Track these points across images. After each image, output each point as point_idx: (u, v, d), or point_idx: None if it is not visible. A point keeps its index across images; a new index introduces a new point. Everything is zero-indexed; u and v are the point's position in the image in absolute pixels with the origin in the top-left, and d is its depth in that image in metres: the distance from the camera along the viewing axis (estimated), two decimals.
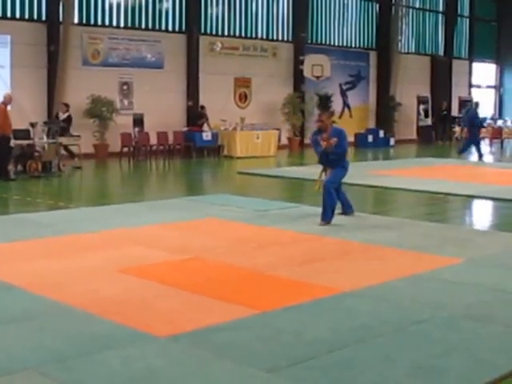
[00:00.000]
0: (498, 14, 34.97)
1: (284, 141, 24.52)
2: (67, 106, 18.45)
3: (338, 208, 10.20)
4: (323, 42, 27.15)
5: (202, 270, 7.18)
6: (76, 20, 20.04)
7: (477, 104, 22.20)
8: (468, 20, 33.70)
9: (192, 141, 21.28)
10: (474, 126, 21.23)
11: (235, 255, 7.82)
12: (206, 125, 21.94)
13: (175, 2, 22.51)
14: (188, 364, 4.62)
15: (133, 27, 21.58)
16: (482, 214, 12.36)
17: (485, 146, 25.13)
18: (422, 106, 30.40)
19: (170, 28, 22.55)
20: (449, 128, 30.27)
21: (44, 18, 19.68)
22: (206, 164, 20.33)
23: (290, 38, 25.83)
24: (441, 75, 31.21)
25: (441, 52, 32.13)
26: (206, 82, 22.68)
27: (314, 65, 24.65)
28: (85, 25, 20.48)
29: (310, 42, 26.36)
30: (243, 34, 24.46)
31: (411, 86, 29.45)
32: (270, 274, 6.99)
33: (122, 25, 21.39)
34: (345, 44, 28.05)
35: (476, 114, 21.73)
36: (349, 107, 28.14)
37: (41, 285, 6.45)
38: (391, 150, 25.84)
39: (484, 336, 5.22)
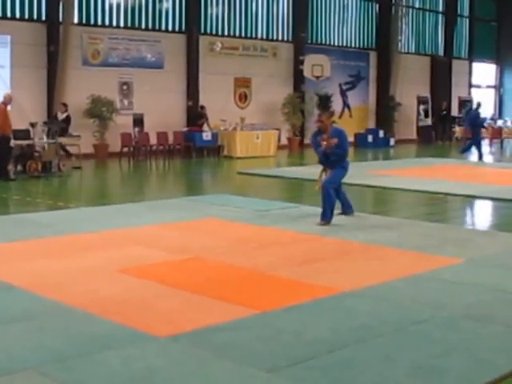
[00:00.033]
0: (498, 14, 34.98)
1: (284, 141, 24.53)
2: (66, 105, 18.45)
3: (338, 208, 10.21)
4: (323, 42, 27.16)
5: (201, 270, 7.17)
6: (76, 20, 20.04)
7: (479, 104, 22.20)
8: (468, 20, 33.72)
9: (192, 141, 21.28)
10: (476, 126, 21.25)
11: (235, 255, 7.82)
12: (205, 125, 21.95)
13: (175, 1, 22.52)
14: (188, 364, 4.62)
15: (133, 27, 21.58)
16: (481, 214, 12.36)
17: (485, 146, 25.10)
18: (421, 106, 30.41)
19: (170, 28, 22.56)
20: (449, 128, 30.29)
21: (44, 18, 19.68)
22: (206, 164, 20.33)
23: (290, 38, 25.84)
24: (441, 75, 31.22)
25: (441, 52, 32.14)
26: (206, 82, 22.69)
27: (314, 65, 24.66)
28: (85, 25, 20.49)
29: (309, 42, 26.36)
30: (243, 34, 24.47)
31: (411, 86, 29.46)
32: (270, 274, 6.99)
33: (121, 25, 21.40)
34: (345, 44, 28.06)
35: (478, 114, 21.76)
36: (349, 107, 28.15)
37: (41, 285, 6.45)
38: (391, 150, 25.84)
39: (484, 336, 5.22)
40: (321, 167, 10.12)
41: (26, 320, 5.47)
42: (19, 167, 15.81)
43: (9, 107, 15.63)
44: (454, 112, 31.83)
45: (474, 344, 5.04)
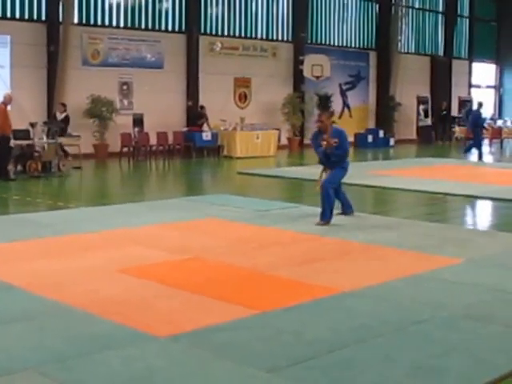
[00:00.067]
0: (498, 14, 34.98)
1: (284, 141, 24.52)
2: (64, 105, 18.43)
3: (338, 208, 10.21)
4: (323, 42, 27.16)
5: (201, 270, 7.17)
6: (76, 20, 20.03)
7: (480, 104, 22.22)
8: (468, 20, 33.72)
9: (192, 141, 21.28)
10: (478, 126, 21.30)
11: (235, 255, 7.82)
12: (205, 125, 21.95)
13: (175, 2, 22.52)
14: (188, 364, 4.62)
15: (133, 27, 21.58)
16: (481, 214, 12.36)
17: (484, 146, 25.09)
18: (421, 106, 30.41)
19: (170, 28, 22.56)
20: (449, 128, 30.29)
21: (44, 18, 19.68)
22: (206, 164, 20.33)
23: (290, 38, 25.84)
24: (440, 75, 31.22)
25: (440, 52, 32.15)
26: (206, 82, 22.69)
27: (314, 65, 24.66)
28: (85, 25, 20.49)
29: (309, 42, 26.36)
30: (243, 34, 24.47)
31: (411, 86, 29.46)
32: (270, 274, 6.99)
33: (121, 25, 21.40)
34: (344, 44, 28.06)
35: (480, 114, 21.80)
36: (348, 107, 28.15)
37: (41, 285, 6.45)
38: (391, 150, 25.85)
39: (484, 336, 5.22)
40: (321, 167, 10.12)
41: (26, 320, 5.47)
42: (19, 167, 15.81)
43: (9, 107, 15.63)
44: (454, 112, 31.83)
45: (474, 344, 5.04)
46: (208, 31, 23.43)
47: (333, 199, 9.76)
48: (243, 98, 24.46)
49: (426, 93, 30.75)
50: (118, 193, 14.55)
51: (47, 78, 19.60)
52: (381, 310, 5.82)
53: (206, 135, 21.42)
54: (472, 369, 4.59)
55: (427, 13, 31.59)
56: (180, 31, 22.59)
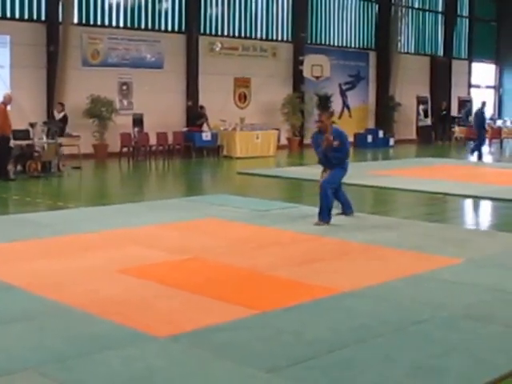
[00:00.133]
0: (498, 14, 34.97)
1: (283, 141, 24.51)
2: (63, 105, 18.41)
3: (338, 208, 10.21)
4: (323, 42, 27.15)
5: (201, 270, 7.18)
6: (76, 20, 20.02)
7: (483, 104, 22.27)
8: (467, 20, 33.71)
9: (191, 141, 21.28)
10: (482, 125, 21.41)
11: (235, 255, 7.82)
12: (205, 125, 21.94)
13: (175, 2, 22.51)
14: (188, 364, 4.62)
15: (132, 27, 21.57)
16: (481, 214, 12.37)
17: (484, 146, 25.10)
18: (421, 106, 30.41)
19: (170, 28, 22.55)
20: (448, 128, 30.28)
21: (43, 18, 19.66)
22: (206, 164, 20.33)
23: (290, 38, 25.83)
24: (440, 75, 31.22)
25: (440, 52, 32.14)
26: (206, 82, 22.68)
27: (314, 65, 24.65)
28: (84, 25, 20.48)
29: (309, 42, 26.35)
30: (243, 34, 24.46)
31: (411, 86, 29.45)
32: (270, 274, 6.99)
33: (121, 25, 21.38)
34: (344, 44, 28.05)
35: (483, 113, 21.86)
36: (348, 107, 28.14)
37: (41, 285, 6.45)
38: (391, 150, 25.85)
39: (484, 336, 5.22)
40: (321, 168, 10.12)
41: (26, 320, 5.47)
42: (19, 167, 15.81)
43: (8, 107, 15.63)
44: (454, 112, 31.82)
45: (474, 344, 5.04)
46: (208, 31, 23.42)
47: (331, 199, 9.75)
48: (243, 98, 24.46)
49: (425, 93, 30.75)
50: (118, 193, 14.54)
51: (47, 78, 19.59)
52: (381, 310, 5.82)
53: (206, 135, 21.41)
54: (472, 369, 4.59)
55: (427, 13, 31.59)
56: (180, 31, 22.58)
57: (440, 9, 32.11)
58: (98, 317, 5.51)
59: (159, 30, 22.23)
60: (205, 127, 21.88)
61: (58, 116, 18.17)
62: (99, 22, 20.91)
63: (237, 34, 24.29)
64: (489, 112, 33.05)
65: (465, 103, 32.53)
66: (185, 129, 21.89)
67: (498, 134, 28.43)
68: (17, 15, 19.29)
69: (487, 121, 28.69)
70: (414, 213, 11.35)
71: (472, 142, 25.89)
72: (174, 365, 4.58)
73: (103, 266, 7.19)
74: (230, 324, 5.38)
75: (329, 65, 24.96)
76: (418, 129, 30.19)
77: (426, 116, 30.48)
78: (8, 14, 19.11)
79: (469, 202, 12.85)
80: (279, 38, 25.65)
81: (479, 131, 21.26)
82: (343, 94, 27.92)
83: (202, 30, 23.04)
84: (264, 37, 25.12)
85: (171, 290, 6.34)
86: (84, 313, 5.61)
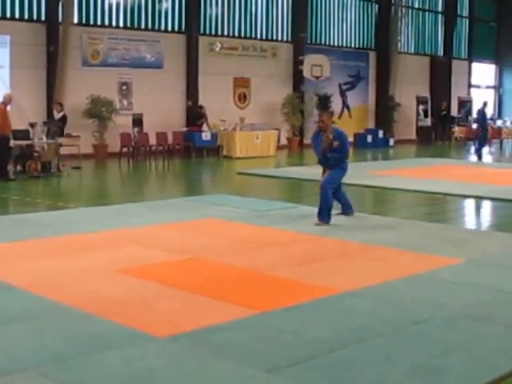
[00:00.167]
0: (498, 15, 34.98)
1: (283, 141, 24.52)
2: (62, 105, 18.40)
3: (338, 208, 10.21)
4: (323, 42, 27.15)
5: (201, 270, 7.18)
6: (75, 20, 20.02)
7: (485, 103, 22.34)
8: (467, 20, 33.72)
9: (191, 141, 21.28)
10: (484, 125, 21.50)
11: (235, 255, 7.82)
12: (205, 125, 21.94)
13: (175, 2, 22.51)
14: (188, 364, 4.62)
15: (132, 27, 21.58)
16: (481, 214, 12.37)
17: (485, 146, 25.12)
18: (421, 107, 30.41)
19: (170, 28, 22.55)
20: (448, 128, 30.29)
21: (43, 18, 19.67)
22: (206, 164, 20.33)
23: (290, 39, 25.84)
24: (440, 75, 31.23)
25: (440, 52, 32.15)
26: (206, 82, 22.68)
27: (314, 65, 24.66)
28: (84, 25, 20.48)
29: (309, 42, 26.36)
30: (242, 34, 24.46)
31: (410, 87, 29.46)
32: (270, 274, 6.99)
33: (121, 25, 21.39)
34: (344, 44, 28.06)
35: (485, 113, 21.94)
36: (348, 107, 28.15)
37: (41, 285, 6.45)
38: (390, 151, 25.85)
39: (484, 336, 5.22)
40: (321, 168, 10.12)
41: (26, 320, 5.47)
42: (19, 167, 15.81)
43: (8, 107, 15.63)
44: (454, 112, 31.83)
45: (474, 344, 5.04)
46: (208, 31, 23.43)
47: (331, 200, 9.75)
48: (243, 98, 24.46)
49: (425, 93, 30.76)
50: (118, 193, 14.54)
51: (47, 78, 19.59)
52: (381, 310, 5.82)
53: (206, 135, 21.41)
54: (472, 369, 4.59)
55: (427, 13, 31.60)
56: (180, 31, 22.59)
57: (440, 9, 32.12)
58: (98, 317, 5.51)
59: (159, 30, 22.24)
60: (205, 127, 21.88)
61: (57, 116, 18.16)
62: (99, 22, 20.92)
63: (237, 34, 24.30)
64: (489, 112, 33.12)
65: (465, 103, 32.54)
66: (185, 129, 21.89)
67: (497, 134, 28.43)
68: (17, 15, 19.30)
69: (487, 121, 28.79)
70: (413, 213, 11.35)
71: (472, 143, 25.96)
72: (174, 365, 4.58)
73: (103, 266, 7.19)
74: (230, 324, 5.38)
75: (329, 65, 24.97)
76: (418, 129, 30.19)
77: (425, 116, 30.48)
78: (8, 14, 19.11)
79: (469, 202, 12.85)
80: (279, 38, 25.66)
81: (481, 131, 21.28)
82: (343, 94, 27.93)
83: (201, 30, 23.05)
84: (264, 37, 25.13)
85: (171, 290, 6.34)
86: (84, 313, 5.61)
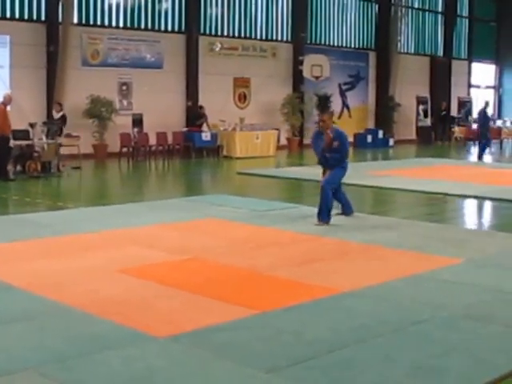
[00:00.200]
0: (498, 15, 34.98)
1: (283, 141, 24.52)
2: (61, 105, 18.38)
3: (338, 208, 10.22)
4: (322, 42, 27.15)
5: (201, 271, 7.18)
6: (75, 20, 20.02)
7: (487, 103, 22.36)
8: (467, 20, 33.72)
9: (191, 141, 21.28)
10: (486, 125, 21.53)
11: (234, 255, 7.82)
12: (205, 125, 21.94)
13: (174, 2, 22.51)
14: (188, 364, 4.62)
15: (132, 27, 21.58)
16: (481, 214, 12.37)
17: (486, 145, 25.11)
18: (421, 107, 30.41)
19: (170, 28, 22.55)
20: (448, 128, 30.29)
21: (43, 18, 19.66)
22: (206, 164, 20.33)
23: (290, 39, 25.83)
24: (440, 75, 31.23)
25: (440, 52, 32.15)
26: (206, 82, 22.68)
27: (314, 65, 24.66)
28: (84, 25, 20.48)
29: (309, 42, 26.35)
30: (242, 35, 24.46)
31: (410, 87, 29.46)
32: (270, 274, 7.00)
33: (121, 25, 21.38)
34: (344, 44, 28.06)
35: (486, 113, 21.97)
36: (348, 107, 28.15)
37: (41, 285, 6.45)
38: (390, 151, 25.85)
39: (484, 336, 5.23)
40: (321, 168, 10.13)
41: (26, 320, 5.47)
42: (18, 167, 15.81)
43: (8, 107, 15.63)
44: (454, 112, 31.84)
45: (474, 344, 5.04)
46: (207, 31, 23.42)
47: (331, 200, 9.76)
48: (243, 99, 24.46)
49: (425, 93, 30.76)
50: (118, 193, 14.54)
51: (47, 78, 19.59)
52: (381, 310, 5.82)
53: (206, 135, 21.41)
54: (472, 369, 4.59)
55: (427, 13, 31.59)
56: (180, 31, 22.58)
57: (440, 9, 32.12)
58: (98, 317, 5.51)
59: (159, 30, 22.24)
60: (204, 127, 21.88)
61: (57, 116, 18.15)
62: (99, 22, 20.91)
63: (236, 34, 24.29)
64: (488, 112, 33.11)
65: (465, 103, 32.54)
66: (184, 129, 21.88)
67: (497, 134, 28.42)
68: (17, 15, 19.29)
69: (490, 121, 28.80)
70: (413, 213, 11.35)
71: (472, 143, 25.97)
72: (174, 365, 4.58)
73: (103, 266, 7.19)
74: (230, 324, 5.39)
75: (328, 65, 24.96)
76: (418, 129, 30.19)
77: (425, 116, 30.48)
78: (8, 14, 19.10)
79: (469, 202, 12.85)
80: (279, 38, 25.65)
81: (483, 131, 21.30)
82: (343, 94, 27.92)
83: (201, 30, 23.04)
84: (264, 37, 25.12)
85: (171, 290, 6.34)
86: (84, 313, 5.61)
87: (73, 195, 14.00)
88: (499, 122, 31.30)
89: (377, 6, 29.02)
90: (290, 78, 25.70)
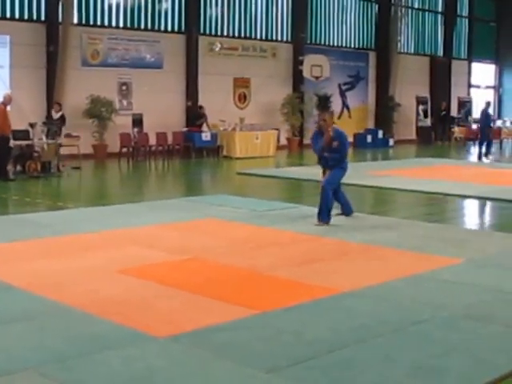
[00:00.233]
0: (498, 15, 34.98)
1: (283, 141, 24.52)
2: (60, 105, 18.39)
3: (338, 208, 10.21)
4: (322, 42, 27.15)
5: (201, 271, 7.18)
6: (75, 20, 20.02)
7: (488, 103, 22.40)
8: (467, 20, 33.73)
9: (191, 141, 21.28)
10: (487, 125, 21.58)
11: (234, 255, 7.82)
12: (205, 125, 21.94)
13: (174, 2, 22.51)
14: (188, 364, 4.62)
15: (132, 27, 21.58)
16: (481, 215, 12.37)
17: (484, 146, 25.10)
18: (421, 107, 30.41)
19: (170, 28, 22.55)
20: (448, 128, 30.29)
21: (43, 18, 19.67)
22: (206, 164, 20.33)
23: (290, 39, 25.83)
24: (440, 75, 31.23)
25: (440, 52, 32.15)
26: (205, 82, 22.68)
27: (313, 65, 24.66)
28: (84, 25, 20.48)
29: (309, 42, 26.36)
30: (242, 35, 24.46)
31: (410, 87, 29.46)
32: (270, 274, 6.99)
33: (121, 25, 21.39)
34: (344, 44, 28.06)
35: (487, 113, 22.01)
36: (348, 107, 28.15)
37: (41, 285, 6.45)
38: (390, 151, 25.85)
39: (484, 336, 5.22)
40: (321, 168, 10.13)
41: (26, 320, 5.47)
42: (18, 167, 15.81)
43: (8, 107, 15.63)
44: (454, 112, 31.84)
45: (474, 344, 5.04)
46: (207, 31, 23.42)
47: (331, 200, 9.76)
48: (242, 99, 24.46)
49: (425, 93, 30.76)
50: (118, 193, 14.54)
51: (46, 78, 19.59)
52: (381, 310, 5.82)
53: (206, 135, 21.41)
54: (472, 369, 4.59)
55: (427, 13, 31.60)
56: (179, 31, 22.58)
57: (440, 9, 32.12)
58: (98, 317, 5.51)
59: (159, 30, 22.24)
60: (204, 127, 21.88)
61: (56, 116, 18.15)
62: (99, 22, 20.91)
63: (236, 35, 24.30)
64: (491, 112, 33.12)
65: (464, 103, 32.54)
66: (184, 129, 21.89)
67: (497, 134, 28.41)
68: (17, 15, 19.29)
69: (491, 121, 28.80)
70: (413, 213, 11.35)
71: (472, 143, 25.97)
72: (174, 365, 4.58)
73: (103, 266, 7.19)
74: (230, 324, 5.38)
75: (328, 65, 24.97)
76: (418, 129, 30.19)
77: (425, 116, 30.48)
78: (8, 14, 19.11)
79: (468, 202, 12.85)
80: (279, 39, 25.65)
81: (484, 131, 21.33)
82: (343, 94, 27.92)
83: (201, 30, 23.04)
84: (264, 37, 25.12)
85: (171, 290, 6.34)
86: (84, 313, 5.61)
87: (73, 195, 14.00)
88: (499, 122, 31.30)
89: (377, 6, 29.03)
90: (289, 78, 25.70)
